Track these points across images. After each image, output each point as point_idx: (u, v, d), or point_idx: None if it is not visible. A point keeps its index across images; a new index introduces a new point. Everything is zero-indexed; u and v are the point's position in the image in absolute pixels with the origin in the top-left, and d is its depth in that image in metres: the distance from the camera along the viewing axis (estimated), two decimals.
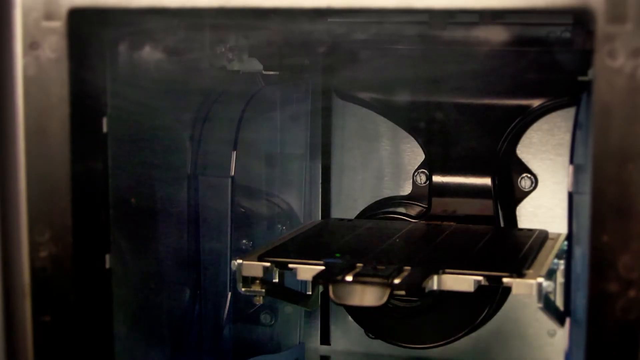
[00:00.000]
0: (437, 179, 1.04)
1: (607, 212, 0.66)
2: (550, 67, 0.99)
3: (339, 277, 0.79)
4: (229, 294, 1.03)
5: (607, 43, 0.64)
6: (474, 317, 1.04)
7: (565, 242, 0.88)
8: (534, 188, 1.06)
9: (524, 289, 0.81)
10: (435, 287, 0.82)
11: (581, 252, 0.77)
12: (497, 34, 0.95)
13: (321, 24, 0.95)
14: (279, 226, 1.12)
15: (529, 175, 1.06)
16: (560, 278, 0.87)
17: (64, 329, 0.77)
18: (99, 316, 0.81)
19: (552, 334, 1.09)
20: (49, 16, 0.74)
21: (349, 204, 1.13)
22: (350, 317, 1.10)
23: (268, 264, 0.88)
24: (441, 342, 1.06)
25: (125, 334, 0.89)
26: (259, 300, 0.93)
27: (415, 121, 1.05)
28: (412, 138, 1.07)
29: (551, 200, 1.06)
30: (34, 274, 0.77)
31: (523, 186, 1.06)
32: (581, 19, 0.82)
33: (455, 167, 1.03)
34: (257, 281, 0.90)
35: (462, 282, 0.82)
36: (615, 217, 0.65)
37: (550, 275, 0.85)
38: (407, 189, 1.10)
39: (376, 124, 1.11)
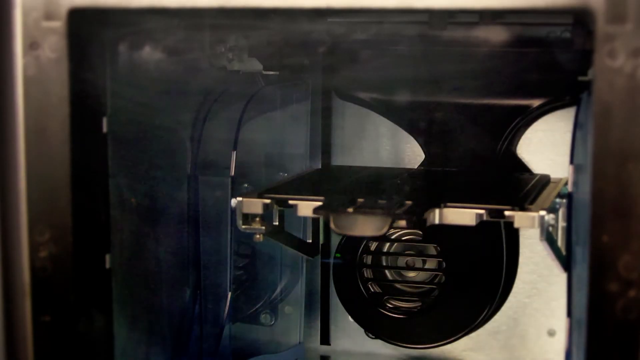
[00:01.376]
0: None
1: (607, 212, 0.66)
2: (550, 67, 0.99)
3: (341, 208, 0.78)
4: (229, 294, 1.03)
5: (607, 43, 0.64)
6: (474, 317, 1.04)
7: (567, 186, 0.87)
8: None
9: (526, 221, 0.80)
10: (436, 220, 0.81)
11: (581, 252, 0.77)
12: (497, 34, 0.95)
13: (321, 23, 0.95)
14: None
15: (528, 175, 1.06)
16: (562, 221, 0.86)
17: (64, 329, 0.77)
18: (99, 316, 0.81)
19: (552, 334, 1.09)
20: (49, 16, 0.74)
21: None
22: (350, 317, 1.10)
23: (268, 201, 0.87)
24: (441, 342, 1.06)
25: (125, 334, 0.89)
26: (259, 238, 0.91)
27: (415, 121, 1.05)
28: (412, 138, 1.07)
29: None
30: (34, 274, 0.77)
31: None
32: (581, 19, 0.82)
33: (455, 167, 1.03)
34: (257, 219, 0.89)
35: (463, 215, 0.82)
36: (615, 217, 0.65)
37: (553, 212, 0.84)
38: None
39: (376, 124, 1.11)
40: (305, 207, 0.85)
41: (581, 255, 0.77)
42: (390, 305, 1.07)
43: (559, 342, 1.08)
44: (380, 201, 0.81)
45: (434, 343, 1.07)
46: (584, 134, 0.79)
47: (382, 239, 1.07)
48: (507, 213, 0.81)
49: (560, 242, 0.86)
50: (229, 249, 1.02)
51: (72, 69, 0.75)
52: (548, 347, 1.09)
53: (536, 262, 1.08)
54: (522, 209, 0.81)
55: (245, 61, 1.03)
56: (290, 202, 0.87)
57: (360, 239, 1.07)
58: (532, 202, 0.84)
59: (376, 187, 0.91)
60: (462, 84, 1.02)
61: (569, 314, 0.84)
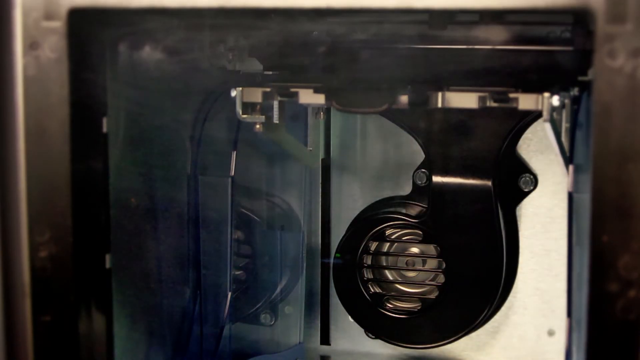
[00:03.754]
0: (437, 179, 1.04)
1: (607, 212, 0.66)
2: (550, 67, 0.99)
3: (343, 87, 0.78)
4: (229, 294, 1.03)
5: (607, 43, 0.64)
6: (474, 317, 1.04)
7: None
8: (534, 188, 1.06)
9: (530, 102, 0.80)
10: (439, 103, 0.80)
11: (581, 252, 0.77)
12: (496, 34, 0.95)
13: (321, 23, 0.95)
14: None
15: (529, 175, 1.06)
16: (565, 123, 0.86)
17: (64, 329, 0.77)
18: (99, 316, 0.81)
19: (552, 334, 1.09)
20: (49, 16, 0.74)
21: (349, 204, 1.13)
22: (350, 317, 1.10)
23: (268, 89, 0.87)
24: (441, 342, 1.06)
25: (125, 334, 0.89)
26: (259, 128, 0.90)
27: (415, 121, 1.05)
28: (412, 138, 1.07)
29: (551, 200, 1.06)
30: (34, 274, 0.77)
31: (523, 186, 1.06)
32: (581, 18, 0.82)
33: (456, 167, 1.03)
34: (258, 107, 0.88)
35: (466, 98, 0.81)
36: (615, 217, 0.65)
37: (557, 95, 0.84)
38: (407, 189, 1.10)
39: (376, 124, 1.11)
40: (307, 94, 0.84)
41: (581, 255, 0.77)
42: (390, 305, 1.07)
43: (559, 342, 1.08)
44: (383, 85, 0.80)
45: (434, 343, 1.07)
46: (584, 134, 0.79)
47: (382, 239, 1.07)
48: (511, 95, 0.80)
49: (564, 138, 0.85)
50: (229, 249, 1.02)
51: (72, 69, 0.75)
52: (548, 347, 1.09)
53: (536, 262, 1.08)
54: (526, 90, 0.80)
55: (245, 61, 1.03)
56: (292, 89, 0.85)
57: (360, 238, 1.07)
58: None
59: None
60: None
61: (569, 314, 0.84)
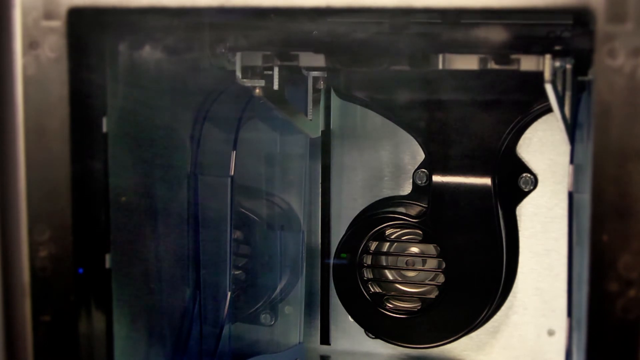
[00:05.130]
0: (437, 179, 1.04)
1: (607, 212, 0.66)
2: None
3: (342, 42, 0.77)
4: (229, 294, 1.03)
5: (607, 43, 0.64)
6: (474, 317, 1.04)
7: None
8: (534, 188, 1.06)
9: (531, 64, 0.80)
10: (441, 64, 0.80)
11: (581, 252, 0.77)
12: (496, 34, 0.95)
13: (321, 23, 0.95)
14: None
15: (529, 175, 1.06)
16: (567, 90, 0.85)
17: (64, 329, 0.77)
18: (99, 316, 0.81)
19: (552, 334, 1.09)
20: (48, 16, 0.74)
21: (349, 204, 1.13)
22: (350, 317, 1.10)
23: (269, 52, 0.86)
24: (441, 342, 1.06)
25: (125, 334, 0.89)
26: (259, 92, 0.90)
27: (415, 121, 1.05)
28: (412, 138, 1.07)
29: (551, 200, 1.06)
30: (34, 273, 0.77)
31: (523, 186, 1.06)
32: (581, 18, 0.82)
33: (456, 167, 1.03)
34: (257, 71, 0.88)
35: (467, 59, 0.81)
36: (615, 217, 0.65)
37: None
38: (407, 189, 1.10)
39: (376, 124, 1.11)
40: (308, 57, 0.83)
41: (581, 255, 0.77)
42: (390, 305, 1.07)
43: (559, 342, 1.08)
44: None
45: (434, 343, 1.07)
46: (584, 134, 0.79)
47: (382, 239, 1.07)
48: (512, 56, 0.79)
49: (566, 109, 0.85)
50: (229, 248, 1.02)
51: (71, 69, 0.75)
52: (548, 347, 1.09)
53: (536, 261, 1.08)
54: (528, 52, 0.80)
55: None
56: (292, 52, 0.84)
57: (360, 238, 1.07)
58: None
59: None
60: (462, 83, 1.02)
61: (569, 313, 0.84)
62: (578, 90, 0.87)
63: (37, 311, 0.77)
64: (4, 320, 0.78)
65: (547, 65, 0.79)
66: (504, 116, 1.02)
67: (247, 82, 0.88)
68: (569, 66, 0.84)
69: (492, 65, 0.80)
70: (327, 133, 1.12)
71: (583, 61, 0.77)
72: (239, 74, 0.87)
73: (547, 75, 0.79)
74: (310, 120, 1.04)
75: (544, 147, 1.05)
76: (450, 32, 0.82)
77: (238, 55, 0.86)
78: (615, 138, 0.65)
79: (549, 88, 0.80)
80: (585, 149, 0.74)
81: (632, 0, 0.64)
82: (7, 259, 0.77)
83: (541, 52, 0.80)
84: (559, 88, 0.83)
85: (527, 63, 0.80)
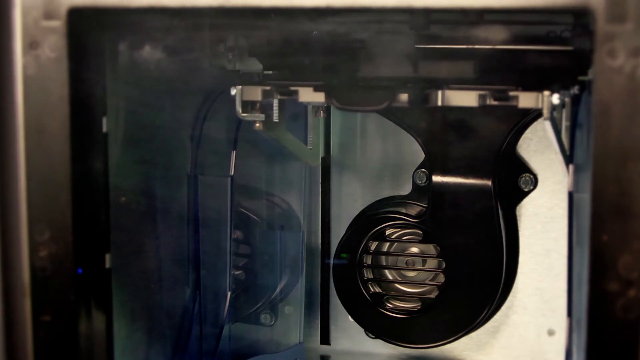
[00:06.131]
0: (437, 179, 1.04)
1: (607, 212, 0.66)
2: (550, 66, 0.99)
3: (343, 85, 0.78)
4: (229, 294, 1.03)
5: (607, 42, 0.64)
6: (474, 317, 1.04)
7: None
8: (534, 188, 1.06)
9: (530, 101, 0.80)
10: (439, 101, 0.80)
11: (581, 252, 0.77)
12: (496, 33, 0.95)
13: (321, 23, 0.95)
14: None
15: (529, 175, 1.06)
16: (565, 121, 0.86)
17: (64, 329, 0.77)
18: (99, 316, 0.81)
19: (552, 334, 1.09)
20: (48, 15, 0.74)
21: (349, 204, 1.13)
22: (350, 317, 1.10)
23: (268, 87, 0.86)
24: (441, 342, 1.06)
25: (125, 334, 0.89)
26: (259, 127, 0.90)
27: (415, 121, 1.05)
28: (412, 138, 1.07)
29: (551, 200, 1.06)
30: (34, 273, 0.77)
31: (523, 186, 1.06)
32: (581, 18, 0.82)
33: (456, 167, 1.03)
34: (257, 105, 0.89)
35: (466, 96, 0.81)
36: (615, 217, 0.65)
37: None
38: (407, 189, 1.10)
39: (376, 124, 1.11)
40: (307, 92, 0.84)
41: (581, 255, 0.77)
42: (390, 305, 1.07)
43: (559, 342, 1.08)
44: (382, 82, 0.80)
45: (434, 343, 1.07)
46: (584, 134, 0.79)
47: (382, 239, 1.07)
48: (511, 93, 0.80)
49: (564, 137, 0.85)
50: (229, 248, 1.02)
51: (71, 69, 0.75)
52: (548, 347, 1.09)
53: (536, 261, 1.08)
54: (526, 88, 0.80)
55: (245, 61, 1.03)
56: (291, 87, 0.85)
57: (360, 238, 1.07)
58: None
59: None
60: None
61: (569, 313, 0.84)
62: (580, 90, 0.87)
63: (37, 311, 0.77)
64: (4, 320, 0.78)
65: (545, 102, 0.79)
66: (504, 116, 1.02)
67: (247, 117, 0.88)
68: (567, 100, 0.84)
69: (490, 101, 0.80)
70: (327, 159, 1.12)
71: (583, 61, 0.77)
72: (239, 108, 0.88)
73: (546, 112, 0.79)
74: (310, 149, 1.04)
75: (544, 147, 1.05)
76: (450, 65, 0.83)
77: (238, 90, 0.87)
78: (615, 138, 0.65)
79: (547, 125, 0.80)
80: (585, 149, 0.74)
81: (632, 0, 0.64)
82: (7, 259, 0.77)
83: (540, 88, 0.80)
84: (558, 121, 0.84)
85: (526, 100, 0.80)
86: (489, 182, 1.02)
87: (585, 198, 0.71)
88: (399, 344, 1.08)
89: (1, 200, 0.77)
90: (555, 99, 0.80)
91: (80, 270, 0.78)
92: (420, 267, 1.08)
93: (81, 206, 0.77)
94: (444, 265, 1.05)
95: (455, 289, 1.04)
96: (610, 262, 0.66)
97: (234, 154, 1.01)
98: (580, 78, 0.82)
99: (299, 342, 1.14)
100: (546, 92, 0.79)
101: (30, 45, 0.74)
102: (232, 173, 1.01)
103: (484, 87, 0.80)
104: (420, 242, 1.06)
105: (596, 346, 0.67)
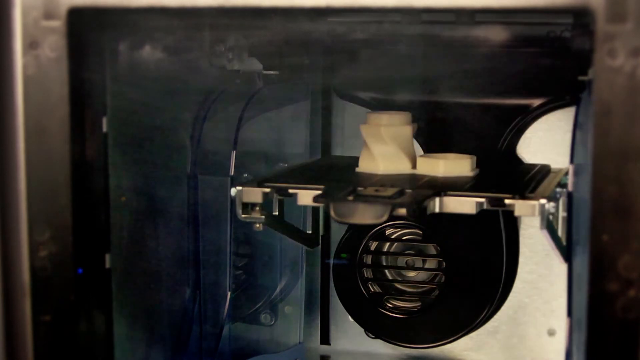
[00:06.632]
0: None
1: (607, 212, 0.66)
2: (550, 66, 0.99)
3: (341, 196, 0.78)
4: (229, 294, 1.03)
5: (607, 42, 0.64)
6: (474, 317, 1.04)
7: (567, 176, 0.87)
8: None
9: (526, 210, 0.80)
10: (437, 209, 0.81)
11: (581, 252, 0.77)
12: (496, 33, 0.95)
13: (321, 23, 0.95)
14: None
15: None
16: (562, 211, 0.86)
17: (64, 329, 0.77)
18: (99, 316, 0.81)
19: (552, 334, 1.09)
20: (48, 15, 0.74)
21: None
22: (350, 317, 1.10)
23: (268, 190, 0.87)
24: (441, 342, 1.06)
25: (125, 334, 0.89)
26: (259, 228, 0.91)
27: (415, 121, 1.05)
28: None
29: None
30: (34, 273, 0.77)
31: None
32: (581, 18, 0.82)
33: None
34: (257, 207, 0.89)
35: (463, 204, 0.82)
36: (615, 217, 0.65)
37: (553, 201, 0.83)
38: None
39: None
40: (305, 196, 0.85)
41: (581, 255, 0.77)
42: (390, 305, 1.07)
43: (559, 342, 1.08)
44: (380, 189, 0.80)
45: (434, 343, 1.07)
46: (584, 134, 0.79)
47: (382, 238, 1.07)
48: (507, 201, 0.81)
49: (560, 232, 0.86)
50: (229, 248, 1.02)
51: (71, 69, 0.75)
52: (548, 347, 1.09)
53: (536, 262, 1.08)
54: (523, 197, 0.81)
55: (245, 61, 1.03)
56: (290, 190, 0.86)
57: (360, 238, 1.07)
58: (532, 191, 0.84)
59: (376, 179, 0.91)
60: (462, 84, 1.02)
61: (569, 313, 0.84)
62: (581, 89, 0.87)
63: (37, 311, 0.77)
64: (4, 320, 0.78)
65: (540, 211, 0.80)
66: (504, 116, 1.02)
67: (248, 219, 0.89)
68: (563, 198, 0.85)
69: (487, 206, 0.81)
70: (326, 237, 1.12)
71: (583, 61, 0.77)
72: (239, 210, 0.88)
73: (542, 221, 0.80)
74: (310, 233, 1.05)
75: (544, 147, 1.05)
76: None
77: (238, 192, 0.87)
78: (615, 138, 0.65)
79: (545, 233, 0.81)
80: (585, 149, 0.74)
81: (632, 0, 0.64)
82: (7, 259, 0.77)
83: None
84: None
85: (522, 208, 0.81)
86: None
87: (585, 198, 0.71)
88: (399, 344, 1.08)
89: (1, 200, 0.77)
90: (551, 207, 0.81)
91: (80, 270, 0.78)
92: (420, 267, 1.08)
93: (81, 206, 0.77)
94: (444, 265, 1.05)
95: (455, 289, 1.04)
96: (610, 262, 0.66)
97: (233, 154, 1.01)
98: (581, 78, 0.82)
99: (299, 342, 1.14)
100: (542, 200, 0.80)
101: (30, 45, 0.74)
102: (232, 173, 1.01)
103: (481, 194, 0.81)
104: (420, 242, 1.06)
105: (596, 346, 0.67)
